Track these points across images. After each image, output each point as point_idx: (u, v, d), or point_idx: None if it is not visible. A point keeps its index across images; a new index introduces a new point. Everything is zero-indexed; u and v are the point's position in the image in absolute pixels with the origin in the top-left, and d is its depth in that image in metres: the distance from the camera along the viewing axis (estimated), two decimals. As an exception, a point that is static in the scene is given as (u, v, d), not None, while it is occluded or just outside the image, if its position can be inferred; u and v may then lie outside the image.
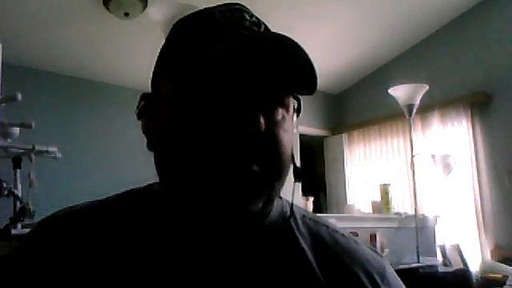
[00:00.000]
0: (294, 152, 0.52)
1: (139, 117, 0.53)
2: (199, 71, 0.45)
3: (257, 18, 0.50)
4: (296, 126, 0.54)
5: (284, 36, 0.46)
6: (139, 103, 0.53)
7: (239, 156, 0.45)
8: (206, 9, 0.51)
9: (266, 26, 0.51)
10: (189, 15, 0.52)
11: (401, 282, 0.56)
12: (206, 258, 0.49)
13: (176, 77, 0.48)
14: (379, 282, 0.53)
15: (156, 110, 0.51)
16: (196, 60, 0.45)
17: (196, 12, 0.51)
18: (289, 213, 0.56)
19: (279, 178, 0.49)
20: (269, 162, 0.47)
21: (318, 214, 0.64)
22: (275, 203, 0.55)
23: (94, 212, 0.55)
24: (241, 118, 0.45)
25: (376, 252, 0.58)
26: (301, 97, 0.53)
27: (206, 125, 0.45)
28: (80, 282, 0.48)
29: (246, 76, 0.45)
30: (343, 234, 0.57)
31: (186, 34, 0.50)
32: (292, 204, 0.56)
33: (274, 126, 0.47)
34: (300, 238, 0.54)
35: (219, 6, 0.50)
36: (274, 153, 0.47)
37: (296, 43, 0.46)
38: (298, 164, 0.54)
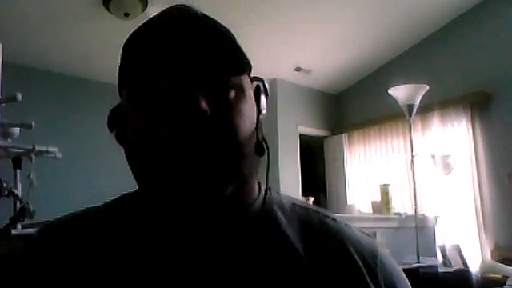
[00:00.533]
0: (260, 131, 0.53)
1: (111, 128, 0.55)
2: (133, 73, 0.50)
3: (195, 11, 0.52)
4: (264, 107, 0.55)
5: (195, 19, 0.50)
6: (109, 116, 0.55)
7: (185, 139, 0.46)
8: (154, 16, 0.54)
9: (204, 16, 0.52)
10: (134, 30, 0.54)
11: (395, 263, 0.56)
12: (192, 250, 0.50)
13: (127, 83, 0.52)
14: (371, 261, 0.53)
15: (122, 120, 0.53)
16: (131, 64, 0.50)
17: (141, 24, 0.54)
18: (275, 202, 0.56)
19: (236, 157, 0.48)
20: (218, 142, 0.47)
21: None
22: (261, 193, 0.56)
23: (91, 220, 0.56)
24: (179, 102, 0.46)
25: (368, 235, 0.58)
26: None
27: (156, 116, 0.48)
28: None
29: (177, 64, 0.47)
30: (334, 219, 0.57)
31: (128, 46, 0.53)
32: (266, 186, 0.56)
33: (222, 106, 0.48)
34: (285, 222, 0.54)
35: (166, 9, 0.53)
36: (223, 132, 0.47)
37: (207, 22, 0.51)
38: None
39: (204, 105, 0.46)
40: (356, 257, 0.52)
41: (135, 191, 0.58)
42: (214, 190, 0.47)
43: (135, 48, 0.51)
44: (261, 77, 0.56)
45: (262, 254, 0.50)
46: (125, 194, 0.59)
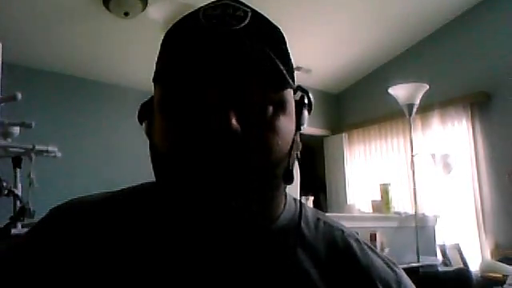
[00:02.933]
0: (295, 151, 0.51)
1: (140, 121, 0.54)
2: (173, 78, 0.47)
3: (244, 10, 0.49)
4: (305, 121, 0.53)
5: (239, 33, 0.46)
6: (139, 109, 0.54)
7: (210, 157, 0.44)
8: (195, 9, 0.51)
9: (252, 18, 0.49)
10: (179, 19, 0.52)
11: None
12: (206, 258, 0.49)
13: (160, 83, 0.50)
14: None
15: (152, 114, 0.52)
16: (172, 66, 0.47)
17: (185, 15, 0.51)
18: (301, 217, 0.55)
19: (262, 179, 0.47)
20: (245, 164, 0.45)
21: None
22: (287, 205, 0.55)
23: (104, 206, 0.55)
24: (210, 118, 0.44)
25: (390, 261, 0.56)
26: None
27: (184, 127, 0.46)
28: (83, 275, 0.49)
29: (214, 77, 0.45)
30: (358, 240, 0.56)
31: (170, 40, 0.51)
32: (301, 205, 0.54)
33: (255, 125, 0.46)
34: (309, 240, 0.53)
35: (208, 4, 0.50)
36: (251, 154, 0.45)
37: (243, 36, 0.46)
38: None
39: (235, 124, 0.44)
40: (380, 284, 0.51)
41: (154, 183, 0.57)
42: (230, 210, 0.46)
43: (174, 47, 0.49)
44: (306, 88, 0.54)
45: (274, 272, 0.49)
46: (143, 184, 0.58)
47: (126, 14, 3.19)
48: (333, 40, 4.33)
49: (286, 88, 0.49)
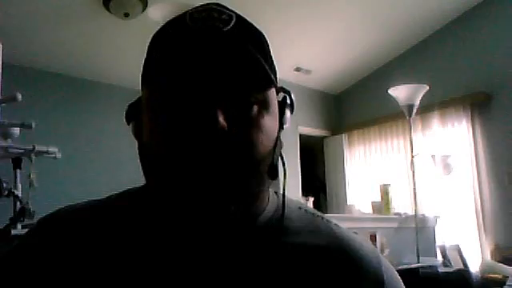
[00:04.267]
0: (278, 149, 0.53)
1: (128, 121, 0.55)
2: (161, 78, 0.48)
3: (228, 14, 0.51)
4: (287, 121, 0.55)
5: (226, 35, 0.48)
6: (127, 110, 0.55)
7: (199, 154, 0.46)
8: (183, 13, 0.52)
9: (237, 21, 0.51)
10: (166, 23, 0.53)
11: (393, 268, 0.58)
12: (195, 257, 0.50)
13: (147, 84, 0.52)
14: (378, 266, 0.54)
15: (139, 115, 0.53)
16: (160, 67, 0.48)
17: (172, 19, 0.53)
18: (284, 209, 0.56)
19: (247, 176, 0.48)
20: (232, 161, 0.47)
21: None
22: (270, 199, 0.56)
23: (93, 212, 0.56)
24: (198, 116, 0.46)
25: (369, 241, 0.59)
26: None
27: (173, 126, 0.48)
28: (77, 281, 0.49)
29: (201, 77, 0.47)
30: (336, 224, 0.59)
31: (157, 42, 0.52)
32: (283, 205, 0.56)
33: (241, 123, 0.48)
34: (292, 232, 0.54)
35: (194, 7, 0.52)
36: (238, 151, 0.47)
37: (233, 38, 0.48)
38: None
39: (222, 122, 0.45)
40: (364, 263, 0.53)
41: (140, 187, 0.58)
42: (218, 206, 0.48)
43: (162, 49, 0.50)
44: (288, 89, 0.56)
45: (260, 266, 0.51)
46: (129, 189, 0.59)
47: (126, 14, 3.19)
48: (333, 41, 4.33)
49: (270, 88, 0.51)
